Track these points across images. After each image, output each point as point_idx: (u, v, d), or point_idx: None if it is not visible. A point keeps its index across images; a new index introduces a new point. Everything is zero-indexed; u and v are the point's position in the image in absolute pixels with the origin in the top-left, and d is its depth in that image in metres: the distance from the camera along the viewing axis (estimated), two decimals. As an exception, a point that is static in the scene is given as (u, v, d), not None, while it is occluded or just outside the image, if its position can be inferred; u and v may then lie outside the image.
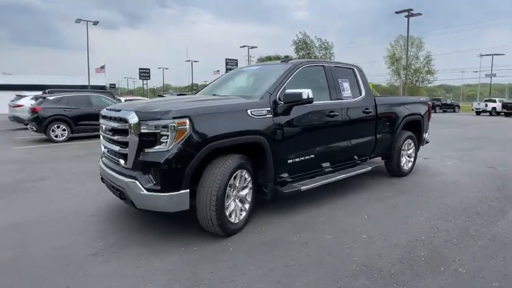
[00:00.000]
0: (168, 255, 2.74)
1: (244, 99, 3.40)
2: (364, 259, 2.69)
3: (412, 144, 5.59)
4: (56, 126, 10.26)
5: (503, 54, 65.73)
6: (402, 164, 5.36)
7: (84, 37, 30.96)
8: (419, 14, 28.64)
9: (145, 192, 2.74)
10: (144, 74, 51.88)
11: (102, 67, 34.85)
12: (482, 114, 28.38)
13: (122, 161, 3.00)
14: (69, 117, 10.45)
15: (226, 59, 39.94)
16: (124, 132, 2.94)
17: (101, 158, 3.68)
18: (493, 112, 27.61)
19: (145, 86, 55.07)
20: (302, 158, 3.70)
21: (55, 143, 9.81)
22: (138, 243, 2.96)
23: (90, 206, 4.00)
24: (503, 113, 26.93)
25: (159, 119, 2.74)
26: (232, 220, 3.08)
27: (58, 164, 6.67)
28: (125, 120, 2.88)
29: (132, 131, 2.81)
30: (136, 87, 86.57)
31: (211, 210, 2.84)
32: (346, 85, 4.40)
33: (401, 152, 5.29)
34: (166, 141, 2.72)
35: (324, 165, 4.02)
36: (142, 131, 2.77)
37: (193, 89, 51.95)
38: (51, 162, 6.89)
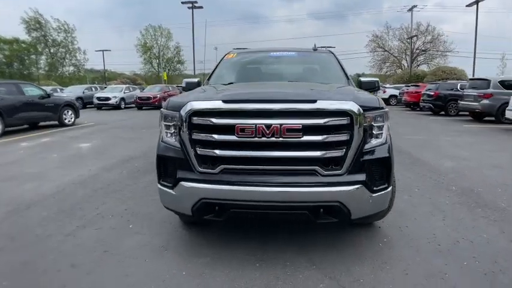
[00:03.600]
0: (385, 276, 2.45)
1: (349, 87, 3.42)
2: (477, 209, 3.65)
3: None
4: None
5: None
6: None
7: None
8: (201, 7, 33.35)
9: (374, 195, 2.44)
10: None
11: None
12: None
13: (319, 169, 2.38)
14: None
15: None
16: (337, 128, 2.37)
17: (216, 179, 2.42)
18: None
19: None
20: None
21: None
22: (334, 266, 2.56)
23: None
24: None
25: (380, 108, 2.53)
26: None
27: None
28: (343, 113, 2.34)
29: (356, 125, 2.35)
30: None
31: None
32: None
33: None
34: (379, 133, 2.52)
35: None
36: (365, 124, 2.42)
37: None
38: None
